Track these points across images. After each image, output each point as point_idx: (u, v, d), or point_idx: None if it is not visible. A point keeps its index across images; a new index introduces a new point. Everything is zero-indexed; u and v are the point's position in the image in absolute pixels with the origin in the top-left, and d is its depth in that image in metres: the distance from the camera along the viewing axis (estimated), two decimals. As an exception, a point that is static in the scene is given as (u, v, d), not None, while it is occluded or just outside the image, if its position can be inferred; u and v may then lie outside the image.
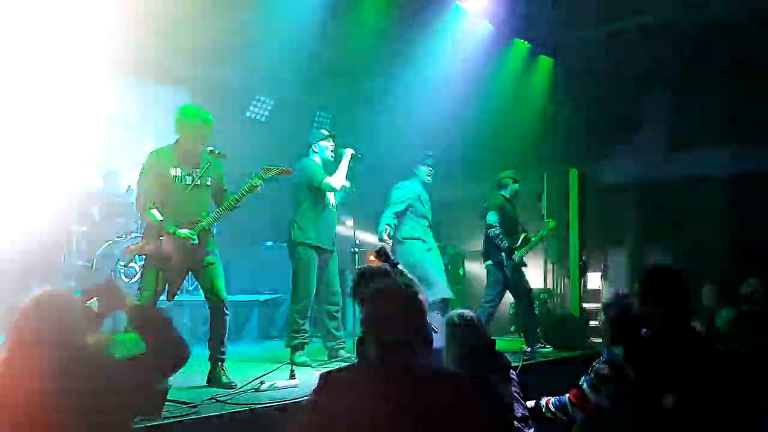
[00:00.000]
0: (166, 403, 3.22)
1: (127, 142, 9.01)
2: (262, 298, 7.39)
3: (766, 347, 4.06)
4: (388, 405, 1.92)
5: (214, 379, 4.08)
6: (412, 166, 6.07)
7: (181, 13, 6.98)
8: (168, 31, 7.70)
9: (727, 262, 7.35)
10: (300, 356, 5.11)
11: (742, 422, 2.98)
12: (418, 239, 5.91)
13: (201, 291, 4.44)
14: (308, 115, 9.58)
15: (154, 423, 3.00)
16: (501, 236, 5.92)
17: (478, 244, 6.35)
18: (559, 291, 8.13)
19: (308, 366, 4.97)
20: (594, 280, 8.34)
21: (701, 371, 2.74)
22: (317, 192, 5.30)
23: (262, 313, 7.25)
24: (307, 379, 4.36)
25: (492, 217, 5.98)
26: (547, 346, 6.37)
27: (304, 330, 5.23)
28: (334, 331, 5.33)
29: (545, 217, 8.03)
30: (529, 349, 5.83)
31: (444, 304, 5.56)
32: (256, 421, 3.37)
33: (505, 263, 5.94)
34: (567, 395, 3.12)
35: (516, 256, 5.97)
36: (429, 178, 6.04)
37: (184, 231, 4.05)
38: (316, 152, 5.43)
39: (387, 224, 5.79)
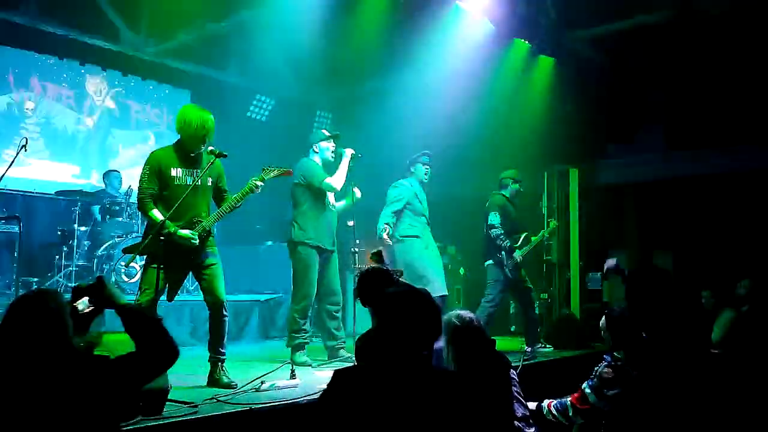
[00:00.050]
0: (167, 403, 3.23)
1: (127, 142, 9.04)
2: (262, 298, 7.40)
3: (766, 347, 4.07)
4: (401, 406, 1.95)
5: (214, 380, 4.09)
6: (410, 164, 6.10)
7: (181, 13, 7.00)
8: (168, 31, 7.73)
9: (727, 263, 7.34)
10: (300, 356, 5.11)
11: (740, 420, 2.99)
12: (416, 237, 5.92)
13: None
14: (308, 115, 9.59)
15: (155, 423, 3.01)
16: (502, 236, 5.92)
17: (479, 244, 6.35)
18: (559, 291, 8.13)
19: (309, 366, 4.98)
20: (594, 279, 8.33)
21: (698, 372, 2.74)
22: (317, 192, 5.30)
23: (262, 313, 7.26)
24: (308, 379, 4.37)
25: (494, 218, 5.98)
26: (548, 346, 6.37)
27: (305, 330, 5.23)
28: (334, 331, 5.34)
29: (546, 217, 8.03)
30: (529, 349, 5.83)
31: (441, 302, 5.56)
32: (257, 421, 3.37)
33: (505, 263, 5.94)
34: (568, 398, 3.12)
35: (517, 255, 5.97)
36: (426, 176, 6.06)
37: (184, 231, 4.05)
38: (316, 152, 5.43)
39: (386, 223, 5.81)
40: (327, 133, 5.55)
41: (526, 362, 4.93)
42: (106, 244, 7.14)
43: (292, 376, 4.16)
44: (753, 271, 5.68)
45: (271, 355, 5.63)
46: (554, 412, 3.15)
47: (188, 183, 4.12)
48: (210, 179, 4.24)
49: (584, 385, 3.04)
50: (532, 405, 3.16)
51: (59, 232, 7.21)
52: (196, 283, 4.68)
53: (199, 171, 4.17)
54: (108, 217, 7.47)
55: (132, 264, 6.28)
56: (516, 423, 2.94)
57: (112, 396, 2.05)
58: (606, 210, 8.72)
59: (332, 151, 5.43)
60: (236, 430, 3.29)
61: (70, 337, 2.09)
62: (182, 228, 4.06)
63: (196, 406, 3.36)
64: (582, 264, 8.04)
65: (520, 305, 6.56)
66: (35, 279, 6.97)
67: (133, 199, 7.22)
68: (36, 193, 7.96)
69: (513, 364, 3.29)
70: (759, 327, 4.53)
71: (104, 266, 7.00)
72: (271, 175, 4.29)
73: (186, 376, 4.19)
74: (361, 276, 3.31)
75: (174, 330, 6.31)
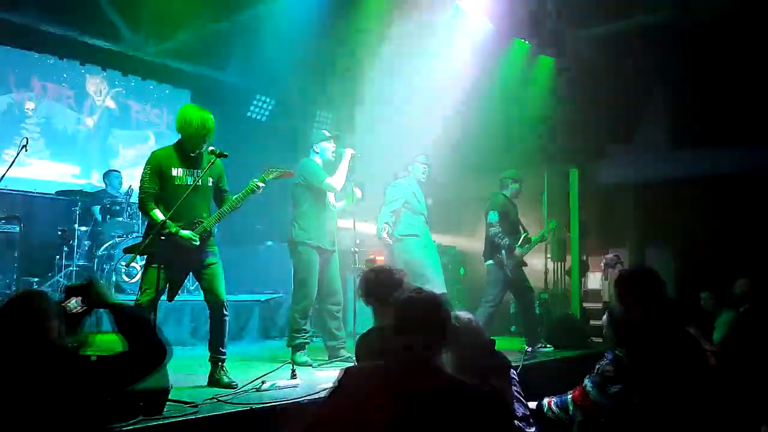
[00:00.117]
0: (168, 402, 3.23)
1: (127, 142, 9.04)
2: (262, 298, 7.40)
3: (765, 346, 4.07)
4: (406, 405, 1.96)
5: (215, 379, 4.09)
6: (407, 164, 6.14)
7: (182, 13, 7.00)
8: (168, 31, 7.73)
9: (728, 263, 7.34)
10: (301, 356, 5.11)
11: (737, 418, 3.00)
12: (415, 236, 5.96)
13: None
14: (308, 115, 9.59)
15: (156, 423, 3.01)
16: (501, 235, 5.92)
17: (479, 244, 6.36)
18: (559, 291, 8.13)
19: (309, 366, 4.98)
20: (594, 279, 8.34)
21: (694, 370, 2.75)
22: (318, 192, 5.31)
23: (262, 313, 7.26)
24: (308, 378, 4.38)
25: (493, 216, 5.99)
26: (548, 345, 6.37)
27: (305, 330, 5.24)
28: (335, 331, 5.34)
29: (546, 217, 8.04)
30: (530, 349, 5.83)
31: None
32: (258, 420, 3.37)
33: (505, 262, 5.94)
34: (569, 395, 3.12)
35: (516, 254, 5.97)
36: (424, 176, 6.11)
37: (185, 232, 4.05)
38: (317, 152, 5.43)
39: (385, 222, 5.87)
40: (327, 134, 5.55)
41: (527, 362, 4.94)
42: (107, 244, 7.15)
43: (293, 376, 4.16)
44: (752, 270, 5.68)
45: (271, 355, 5.64)
46: (554, 408, 3.16)
47: (189, 183, 4.12)
48: (210, 179, 4.24)
49: (586, 381, 3.05)
50: (532, 404, 3.16)
51: (59, 232, 7.20)
52: (197, 282, 4.68)
53: (199, 171, 4.17)
54: (108, 217, 7.47)
55: (132, 264, 6.28)
56: (516, 423, 2.94)
57: (102, 395, 2.05)
58: (606, 210, 8.72)
59: (332, 152, 5.43)
60: (237, 430, 3.29)
61: (58, 338, 2.08)
62: (183, 228, 4.06)
63: (196, 406, 3.36)
64: (582, 264, 8.04)
65: (520, 305, 6.56)
66: (36, 279, 6.97)
67: (134, 199, 7.23)
68: (36, 193, 7.96)
69: (513, 364, 3.29)
70: (757, 326, 4.54)
71: (105, 266, 7.00)
72: (272, 176, 4.30)
73: (186, 376, 4.19)
74: (364, 275, 3.31)
75: (174, 330, 6.37)
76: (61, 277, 6.95)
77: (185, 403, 3.39)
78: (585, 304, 7.89)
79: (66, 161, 8.41)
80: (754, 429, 3.49)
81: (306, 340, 5.25)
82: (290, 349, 5.21)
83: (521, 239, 6.07)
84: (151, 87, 9.21)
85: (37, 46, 7.97)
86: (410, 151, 6.34)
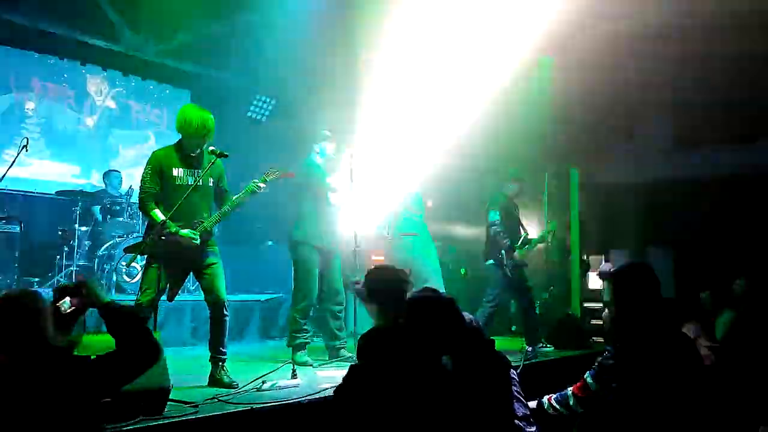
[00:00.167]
0: (168, 402, 3.24)
1: (127, 142, 9.04)
2: (263, 297, 7.40)
3: (763, 345, 4.07)
4: (414, 405, 1.99)
5: (215, 379, 4.09)
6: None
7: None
8: (168, 31, 7.73)
9: (728, 263, 7.34)
10: (301, 356, 5.11)
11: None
12: (414, 234, 5.97)
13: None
14: (309, 115, 9.58)
15: (156, 423, 3.01)
16: (502, 234, 5.92)
17: (480, 244, 6.36)
18: (560, 291, 8.12)
19: (310, 366, 4.98)
20: (595, 280, 8.34)
21: (684, 369, 2.76)
22: (318, 192, 5.31)
23: (263, 313, 7.26)
24: (309, 378, 4.38)
25: (494, 215, 5.99)
26: (548, 345, 6.37)
27: (306, 330, 5.24)
28: (336, 331, 5.34)
29: (546, 216, 8.03)
30: (530, 349, 5.83)
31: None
32: (258, 420, 3.37)
33: (505, 262, 5.94)
34: (570, 389, 3.13)
35: (517, 254, 5.97)
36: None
37: (186, 231, 4.06)
38: (317, 152, 5.44)
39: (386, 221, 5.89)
40: (328, 133, 5.56)
41: (527, 362, 4.93)
42: (107, 244, 7.15)
43: (293, 375, 4.16)
44: (752, 270, 5.68)
45: (272, 355, 5.64)
46: (555, 404, 3.16)
47: (189, 183, 4.12)
48: (211, 179, 4.24)
49: (586, 374, 3.06)
50: (532, 404, 3.16)
51: (60, 232, 7.21)
52: (197, 282, 4.69)
53: (200, 171, 4.17)
54: (109, 217, 7.48)
55: (133, 264, 6.28)
56: (517, 422, 2.94)
57: (95, 395, 2.04)
58: (606, 210, 8.72)
59: (333, 151, 5.44)
60: (237, 430, 3.29)
61: (49, 338, 2.08)
62: (183, 228, 4.06)
63: (197, 406, 3.36)
64: (582, 264, 8.04)
65: (520, 305, 6.55)
66: (36, 279, 6.98)
67: (134, 199, 7.24)
68: (37, 193, 7.97)
69: (513, 364, 3.29)
70: (756, 326, 4.54)
71: (105, 266, 7.00)
72: (273, 176, 4.30)
73: (187, 376, 4.19)
74: (368, 274, 3.31)
75: (175, 330, 6.38)
76: (61, 278, 6.95)
77: (186, 403, 3.39)
78: (585, 304, 7.88)
79: (66, 161, 8.42)
80: (753, 429, 3.49)
81: (306, 340, 5.26)
82: (290, 348, 5.21)
83: (521, 239, 6.07)
84: (152, 87, 9.22)
85: (37, 46, 7.98)
86: (409, 151, 6.35)
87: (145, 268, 4.14)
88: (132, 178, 7.74)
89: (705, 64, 7.64)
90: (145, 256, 4.17)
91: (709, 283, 6.18)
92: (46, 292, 2.29)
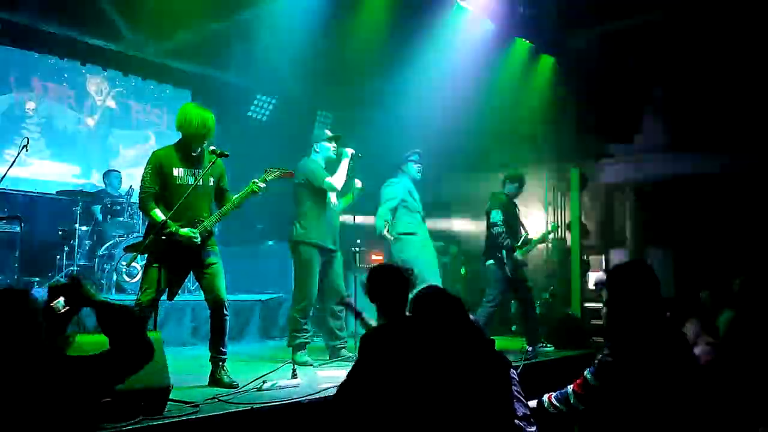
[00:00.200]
0: (168, 402, 3.24)
1: (128, 141, 9.05)
2: (263, 297, 7.40)
3: (762, 344, 4.07)
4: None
5: (216, 379, 4.09)
6: (401, 163, 6.17)
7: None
8: (169, 31, 7.73)
9: (728, 262, 7.34)
10: (302, 356, 5.12)
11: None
12: (413, 234, 5.98)
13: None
14: (309, 115, 9.60)
15: (156, 423, 3.01)
16: (503, 234, 5.92)
17: (480, 244, 6.36)
18: (560, 291, 8.13)
19: (310, 365, 4.98)
20: (595, 279, 8.33)
21: (677, 368, 2.76)
22: (318, 192, 5.31)
23: (263, 313, 7.26)
24: (309, 378, 4.38)
25: (495, 215, 5.99)
26: (548, 345, 6.37)
27: (306, 329, 5.24)
28: (336, 330, 5.34)
29: (546, 216, 8.04)
30: (530, 349, 5.83)
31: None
32: (259, 420, 3.37)
33: (506, 262, 5.94)
34: (570, 387, 3.13)
35: (517, 254, 5.98)
36: (419, 174, 6.19)
37: (186, 231, 4.06)
38: (317, 152, 5.44)
39: (385, 220, 5.88)
40: (329, 134, 5.56)
41: (527, 362, 4.94)
42: (108, 244, 7.15)
43: (294, 375, 4.16)
44: (752, 270, 5.67)
45: (272, 355, 5.64)
46: (555, 402, 3.16)
47: (190, 183, 4.13)
48: (212, 179, 4.25)
49: (586, 371, 3.06)
50: (532, 403, 3.16)
51: (60, 232, 7.21)
52: (197, 282, 4.69)
53: (200, 171, 4.17)
54: (109, 216, 7.48)
55: (133, 264, 6.28)
56: (517, 422, 2.94)
57: (86, 395, 2.03)
58: (606, 210, 8.72)
59: (333, 151, 5.44)
60: (238, 429, 3.29)
61: (43, 338, 2.07)
62: (183, 227, 4.06)
63: (197, 406, 3.36)
64: (582, 263, 8.04)
65: (520, 305, 6.56)
66: (36, 279, 6.98)
67: (134, 198, 7.24)
68: (37, 193, 7.97)
69: (514, 364, 3.29)
70: (755, 326, 4.53)
71: (105, 266, 7.01)
72: (273, 176, 4.30)
73: (187, 376, 4.19)
74: (370, 272, 3.31)
75: (175, 330, 6.39)
76: (62, 277, 6.96)
77: (186, 402, 3.39)
78: (585, 304, 7.88)
79: (66, 161, 8.42)
80: (753, 430, 3.49)
81: (306, 340, 5.26)
82: (291, 348, 5.21)
83: (522, 239, 6.07)
84: (152, 87, 9.22)
85: (37, 46, 7.97)
86: (407, 150, 6.36)
87: (146, 268, 4.14)
88: (132, 178, 7.74)
89: (705, 63, 7.64)
90: (146, 255, 4.17)
91: (709, 282, 6.18)
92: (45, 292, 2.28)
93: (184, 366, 4.61)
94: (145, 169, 4.16)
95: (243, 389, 3.91)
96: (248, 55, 8.07)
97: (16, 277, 6.60)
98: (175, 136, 4.29)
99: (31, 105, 8.11)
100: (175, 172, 4.13)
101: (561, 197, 8.27)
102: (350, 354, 5.16)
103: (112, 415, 2.88)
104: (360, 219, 5.91)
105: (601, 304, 7.49)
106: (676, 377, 2.75)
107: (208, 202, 4.28)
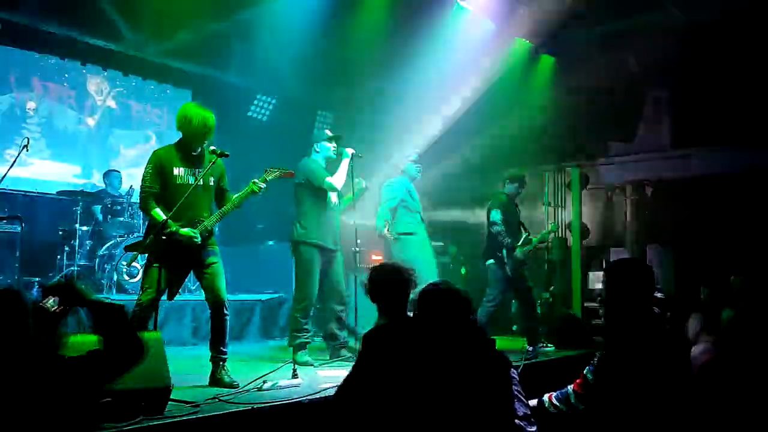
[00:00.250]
0: (169, 402, 3.24)
1: (128, 141, 9.05)
2: (263, 297, 7.40)
3: (761, 343, 4.07)
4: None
5: (216, 379, 4.09)
6: (400, 163, 6.17)
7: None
8: (169, 31, 7.73)
9: (729, 262, 7.34)
10: (302, 355, 5.12)
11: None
12: (412, 234, 5.98)
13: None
14: (309, 115, 9.60)
15: (157, 423, 3.01)
16: (503, 233, 5.92)
17: (480, 244, 6.36)
18: (560, 290, 8.13)
19: (310, 365, 4.98)
20: (594, 279, 8.34)
21: (668, 368, 2.76)
22: (319, 192, 5.31)
23: (263, 313, 7.26)
24: (310, 378, 4.38)
25: (495, 215, 5.99)
26: (549, 345, 6.37)
27: (306, 329, 5.24)
28: (337, 331, 5.34)
29: (547, 216, 8.04)
30: (530, 349, 5.83)
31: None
32: (259, 420, 3.37)
33: (506, 262, 5.94)
34: (570, 387, 3.13)
35: (517, 254, 5.98)
36: (418, 174, 6.20)
37: (186, 230, 4.06)
38: (318, 152, 5.44)
39: (385, 219, 5.89)
40: (329, 133, 5.56)
41: (528, 361, 4.94)
42: (108, 244, 7.16)
43: (294, 375, 4.16)
44: (752, 269, 5.67)
45: (272, 355, 5.64)
46: (555, 402, 3.16)
47: (190, 182, 4.13)
48: (212, 179, 4.25)
49: (585, 369, 3.07)
50: (533, 403, 3.16)
51: (61, 232, 7.22)
52: (198, 282, 4.69)
53: (200, 170, 4.18)
54: (110, 216, 7.48)
55: (134, 263, 6.29)
56: (517, 422, 2.94)
57: (79, 394, 2.03)
58: (607, 209, 8.72)
59: (334, 151, 5.44)
60: (238, 429, 3.29)
61: (34, 337, 2.06)
62: (184, 227, 4.07)
63: (198, 406, 3.36)
64: (583, 263, 8.04)
65: (520, 304, 6.56)
66: (37, 279, 6.98)
67: (135, 198, 7.24)
68: (37, 193, 7.96)
69: (514, 364, 3.29)
70: (754, 323, 4.53)
71: (106, 266, 7.01)
72: (273, 176, 4.31)
73: (188, 376, 4.19)
74: (371, 272, 3.31)
75: (175, 330, 6.39)
76: (62, 277, 6.96)
77: (186, 402, 3.40)
78: (586, 304, 7.88)
79: (67, 161, 8.42)
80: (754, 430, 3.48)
81: (307, 340, 5.26)
82: (291, 348, 5.21)
83: (522, 239, 6.07)
84: (152, 87, 9.21)
85: (37, 46, 7.97)
86: (411, 150, 6.37)
87: (146, 268, 4.14)
88: (133, 178, 7.74)
89: (705, 64, 7.64)
90: (146, 255, 4.17)
91: (708, 281, 6.19)
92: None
93: (185, 366, 4.61)
94: (146, 168, 4.17)
95: (243, 389, 3.91)
96: (248, 55, 8.08)
97: (16, 277, 6.60)
98: (176, 136, 4.30)
99: (31, 105, 8.11)
100: (176, 171, 4.14)
101: (561, 197, 8.27)
102: (350, 354, 5.16)
103: (112, 415, 2.88)
104: (360, 219, 5.90)
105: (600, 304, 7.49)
106: (666, 376, 2.75)
107: (209, 202, 4.28)
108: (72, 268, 7.04)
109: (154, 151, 4.28)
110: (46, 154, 8.19)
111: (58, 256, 7.07)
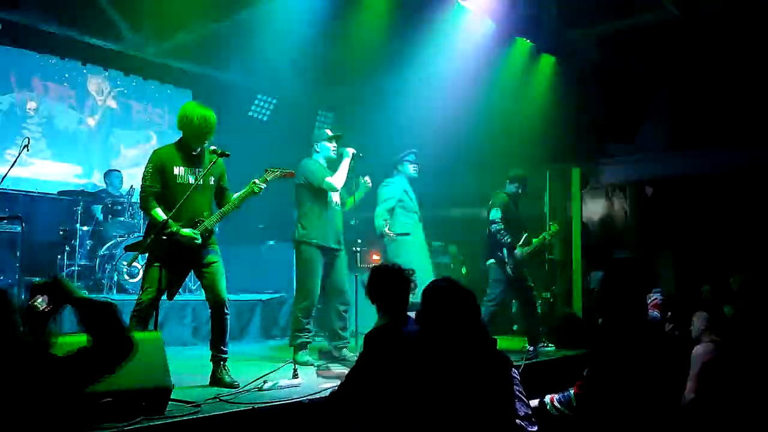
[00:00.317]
0: (169, 402, 3.23)
1: (129, 141, 9.05)
2: (264, 297, 7.40)
3: (760, 341, 4.07)
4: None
5: (217, 379, 4.08)
6: (396, 163, 6.16)
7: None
8: (169, 31, 7.74)
9: (729, 261, 7.34)
10: (303, 355, 5.11)
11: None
12: (406, 234, 5.96)
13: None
14: (310, 115, 9.60)
15: (157, 422, 3.01)
16: (503, 231, 5.91)
17: (480, 243, 6.36)
18: (561, 290, 8.12)
19: (311, 365, 4.98)
20: (595, 279, 8.33)
21: (654, 369, 2.75)
22: (319, 192, 5.31)
23: (264, 313, 7.26)
24: (310, 378, 4.38)
25: (495, 213, 5.99)
26: (550, 345, 6.36)
27: (308, 329, 5.24)
28: (339, 331, 5.34)
29: (547, 216, 8.02)
30: (531, 348, 5.82)
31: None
32: (260, 420, 3.37)
33: (507, 261, 5.94)
34: (571, 390, 3.12)
35: (518, 254, 5.97)
36: (415, 173, 6.15)
37: (187, 230, 4.06)
38: (318, 152, 5.44)
39: (384, 219, 5.88)
40: (330, 133, 5.56)
41: (528, 361, 4.93)
42: (109, 244, 7.16)
43: (295, 375, 4.16)
44: (753, 268, 5.67)
45: (273, 355, 5.64)
46: (557, 405, 3.15)
47: (190, 182, 4.13)
48: (212, 178, 4.24)
49: (586, 370, 3.06)
50: (534, 403, 3.16)
51: (61, 232, 7.21)
52: (198, 281, 4.69)
53: (201, 170, 4.17)
54: (110, 216, 7.48)
55: (134, 263, 6.28)
56: (518, 422, 2.94)
57: (69, 393, 2.02)
58: (608, 209, 8.72)
59: (334, 151, 5.44)
60: (239, 429, 3.29)
61: (21, 336, 2.05)
62: (184, 227, 4.06)
63: (198, 406, 3.36)
64: (584, 263, 8.03)
65: (521, 304, 6.56)
66: (37, 279, 6.95)
67: (135, 198, 7.24)
68: (38, 193, 7.97)
69: (515, 363, 3.28)
70: (754, 323, 4.52)
71: (106, 266, 7.01)
72: (273, 176, 4.30)
73: (188, 376, 4.19)
74: (370, 273, 3.31)
75: (176, 329, 6.38)
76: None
77: (187, 402, 3.39)
78: (586, 304, 7.87)
79: (68, 161, 8.42)
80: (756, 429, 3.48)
81: (308, 340, 5.25)
82: (292, 348, 5.20)
83: (523, 239, 6.06)
84: (153, 87, 9.22)
85: (38, 46, 7.97)
86: (403, 149, 6.36)
87: (147, 268, 4.14)
88: (133, 178, 7.74)
89: (706, 62, 7.64)
90: (146, 255, 4.17)
91: (710, 281, 6.18)
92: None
93: (185, 366, 4.61)
94: (146, 168, 4.16)
95: (244, 389, 3.91)
96: (249, 54, 8.07)
97: (17, 276, 6.60)
98: (177, 136, 4.29)
99: (32, 105, 8.11)
100: (176, 171, 4.13)
101: (562, 197, 8.25)
102: (351, 354, 5.15)
103: (112, 415, 2.88)
104: (359, 219, 5.90)
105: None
106: (658, 375, 2.74)
107: (209, 202, 4.28)
108: (72, 268, 7.04)
109: (155, 151, 4.28)
110: (47, 154, 8.19)
111: (59, 256, 7.07)
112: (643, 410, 2.67)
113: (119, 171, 8.14)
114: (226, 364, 4.15)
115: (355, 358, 4.33)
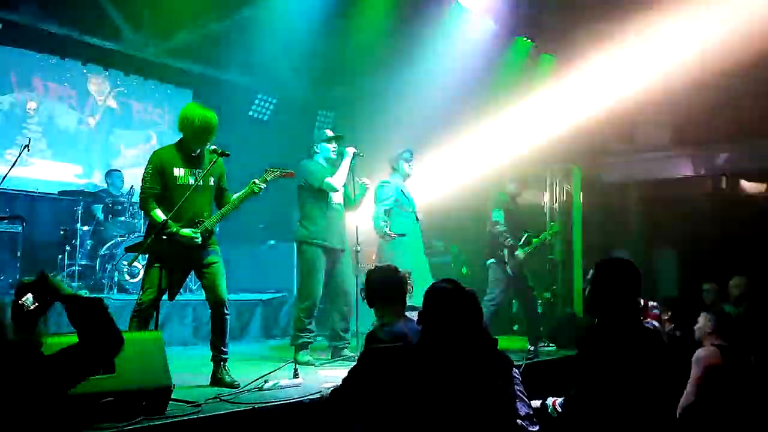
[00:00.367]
0: (170, 402, 3.23)
1: (129, 141, 9.05)
2: (265, 297, 7.40)
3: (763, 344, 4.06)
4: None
5: (217, 379, 4.08)
6: (392, 162, 6.10)
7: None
8: (170, 31, 7.74)
9: (729, 261, 7.34)
10: (304, 355, 5.11)
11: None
12: (402, 235, 5.92)
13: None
14: (310, 114, 9.60)
15: (158, 422, 3.01)
16: (505, 233, 5.91)
17: (481, 243, 6.35)
18: (561, 290, 8.11)
19: (312, 365, 4.98)
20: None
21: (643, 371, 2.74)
22: (319, 193, 5.30)
23: (264, 313, 7.26)
24: (311, 378, 4.37)
25: (497, 215, 5.98)
26: (550, 344, 6.36)
27: (310, 329, 5.23)
28: (341, 331, 5.33)
29: (548, 216, 8.02)
30: (532, 348, 5.82)
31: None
32: (260, 420, 3.37)
33: (507, 261, 5.93)
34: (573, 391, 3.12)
35: (518, 254, 5.97)
36: (410, 171, 6.09)
37: (187, 231, 4.05)
38: (318, 153, 5.43)
39: (383, 220, 5.83)
40: (330, 134, 5.55)
41: (529, 361, 4.93)
42: (109, 244, 7.16)
43: (295, 375, 4.15)
44: (753, 268, 5.67)
45: (273, 355, 5.64)
46: (559, 408, 3.15)
47: (190, 183, 4.12)
48: (212, 179, 4.24)
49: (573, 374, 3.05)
50: (536, 403, 3.16)
51: (62, 232, 7.22)
52: (199, 281, 4.69)
53: (201, 170, 4.17)
54: (110, 216, 7.48)
55: (134, 263, 6.28)
56: (519, 422, 2.93)
57: (59, 390, 2.02)
58: (609, 209, 8.71)
59: (334, 151, 5.43)
60: (239, 429, 3.28)
61: (9, 335, 2.04)
62: (184, 228, 4.06)
63: (198, 406, 3.36)
64: (584, 263, 8.03)
65: (522, 304, 6.56)
66: (26, 278, 6.96)
67: (136, 198, 7.24)
68: (39, 192, 7.97)
69: (516, 363, 3.28)
70: (755, 324, 4.52)
71: (107, 266, 7.01)
72: (273, 176, 4.29)
73: (188, 376, 4.19)
74: (368, 274, 3.31)
75: (176, 329, 6.39)
76: (63, 277, 6.96)
77: (187, 402, 3.39)
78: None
79: (68, 161, 8.42)
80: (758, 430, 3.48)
81: (309, 340, 5.25)
82: (292, 348, 5.20)
83: (523, 239, 6.06)
84: (153, 87, 9.22)
85: (38, 46, 7.97)
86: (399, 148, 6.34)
87: (147, 268, 4.14)
88: (134, 178, 7.73)
89: (705, 63, 7.63)
90: (147, 255, 4.17)
91: (711, 281, 6.18)
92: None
93: (186, 365, 4.60)
94: (146, 168, 4.16)
95: (244, 389, 3.90)
96: (249, 54, 8.08)
97: (17, 276, 6.60)
98: (177, 136, 4.29)
99: (32, 105, 8.11)
100: (176, 171, 4.13)
101: (563, 196, 8.25)
102: (352, 354, 5.15)
103: (113, 414, 2.88)
104: (360, 218, 5.88)
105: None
106: (643, 377, 2.72)
107: (209, 202, 4.28)
108: (73, 268, 7.05)
109: (155, 152, 4.27)
110: (47, 154, 8.19)
111: (59, 256, 7.07)
112: (634, 414, 2.66)
113: (120, 171, 8.14)
114: (227, 364, 4.14)
115: (356, 358, 4.33)
